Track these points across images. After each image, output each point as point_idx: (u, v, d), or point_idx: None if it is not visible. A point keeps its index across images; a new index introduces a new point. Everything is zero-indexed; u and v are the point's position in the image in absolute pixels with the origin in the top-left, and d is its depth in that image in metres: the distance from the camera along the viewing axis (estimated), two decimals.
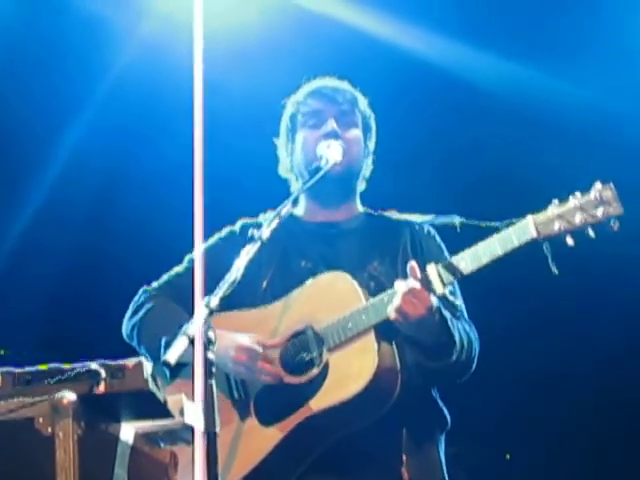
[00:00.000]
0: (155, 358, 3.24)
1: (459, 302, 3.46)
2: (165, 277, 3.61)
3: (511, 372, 5.74)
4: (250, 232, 3.08)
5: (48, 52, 5.61)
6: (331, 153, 3.42)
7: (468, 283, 3.25)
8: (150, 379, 2.42)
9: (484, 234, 3.16)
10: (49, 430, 2.34)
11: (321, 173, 3.36)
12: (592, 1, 5.38)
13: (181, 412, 2.55)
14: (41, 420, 2.35)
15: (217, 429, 2.54)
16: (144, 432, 2.60)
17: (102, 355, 2.49)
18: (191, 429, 2.56)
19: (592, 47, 5.35)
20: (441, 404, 3.45)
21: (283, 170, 3.71)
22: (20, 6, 5.49)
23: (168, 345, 2.65)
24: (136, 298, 3.59)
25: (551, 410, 5.89)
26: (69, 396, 2.36)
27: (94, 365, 2.42)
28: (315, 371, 3.25)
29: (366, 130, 3.63)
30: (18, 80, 5.67)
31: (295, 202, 3.30)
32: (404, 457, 3.29)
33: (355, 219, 3.62)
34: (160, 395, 2.47)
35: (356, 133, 3.58)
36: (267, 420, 3.28)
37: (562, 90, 5.48)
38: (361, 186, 3.66)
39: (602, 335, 5.70)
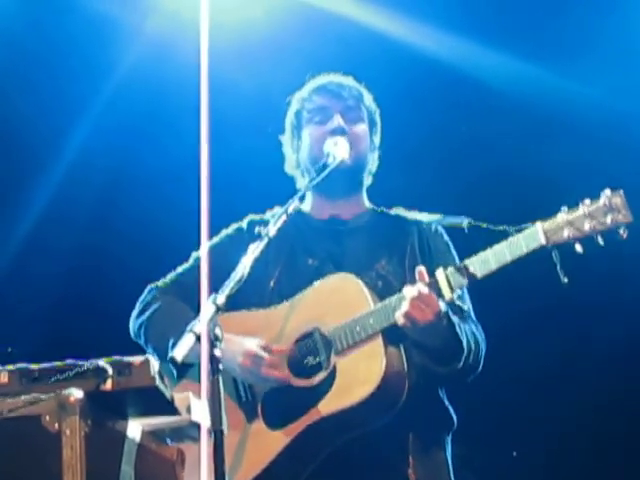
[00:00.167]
0: (162, 357, 3.23)
1: (467, 305, 3.45)
2: (172, 275, 3.61)
3: (517, 372, 5.72)
4: (257, 229, 3.08)
5: (53, 51, 5.60)
6: (338, 150, 3.42)
7: (470, 283, 3.23)
8: (157, 376, 2.41)
9: (492, 236, 3.15)
10: (56, 427, 2.33)
11: (328, 170, 3.36)
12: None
13: (188, 409, 2.54)
14: (48, 417, 2.34)
15: (224, 427, 2.53)
16: (151, 429, 2.59)
17: (108, 353, 2.48)
18: (198, 426, 2.55)
19: (600, 45, 5.34)
20: (447, 404, 3.44)
21: (289, 167, 3.70)
22: (25, 5, 5.49)
23: (176, 344, 2.64)
24: (143, 296, 3.59)
25: (558, 410, 5.88)
26: (76, 393, 2.35)
27: (101, 362, 2.41)
28: (323, 375, 3.25)
29: (372, 125, 3.63)
30: (23, 79, 5.67)
31: (302, 198, 3.29)
32: (411, 459, 3.29)
33: (362, 216, 3.61)
34: (167, 392, 2.46)
35: (362, 128, 3.57)
36: (274, 423, 3.28)
37: (570, 88, 5.47)
38: (367, 181, 3.65)
39: (605, 335, 5.68)
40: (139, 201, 5.82)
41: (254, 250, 2.93)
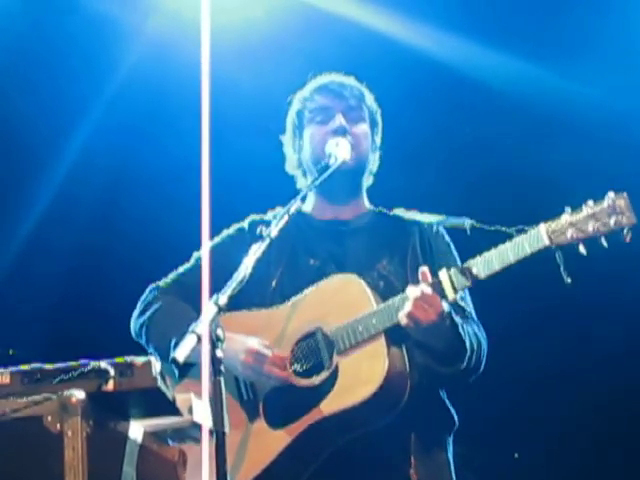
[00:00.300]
0: (164, 357, 3.23)
1: (469, 305, 3.45)
2: (173, 275, 3.60)
3: (518, 372, 5.72)
4: (259, 230, 3.07)
5: (54, 51, 5.60)
6: (340, 151, 3.41)
7: (473, 284, 3.23)
8: (159, 377, 2.41)
9: (494, 237, 3.15)
10: (58, 428, 2.33)
11: (329, 171, 3.36)
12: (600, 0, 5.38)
13: (190, 410, 2.54)
14: (50, 418, 2.34)
15: (226, 428, 2.53)
16: (153, 430, 2.59)
17: (110, 354, 2.48)
18: (200, 427, 2.55)
19: (600, 45, 5.34)
20: (449, 405, 3.44)
21: (290, 167, 3.70)
22: (26, 6, 5.49)
23: (177, 345, 2.64)
24: (144, 296, 3.58)
25: (558, 410, 5.88)
26: (78, 394, 2.35)
27: (103, 363, 2.41)
28: (325, 374, 3.24)
29: (373, 125, 3.62)
30: (25, 80, 5.67)
31: (303, 199, 3.29)
32: (412, 459, 3.29)
33: (364, 217, 3.61)
34: (169, 393, 2.46)
35: (364, 128, 3.57)
36: (276, 422, 3.28)
37: (571, 89, 5.47)
38: (368, 181, 3.65)
39: (606, 336, 5.68)
40: (140, 201, 5.83)
41: (256, 251, 2.93)
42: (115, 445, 2.47)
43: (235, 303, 2.82)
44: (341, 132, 3.49)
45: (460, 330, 3.23)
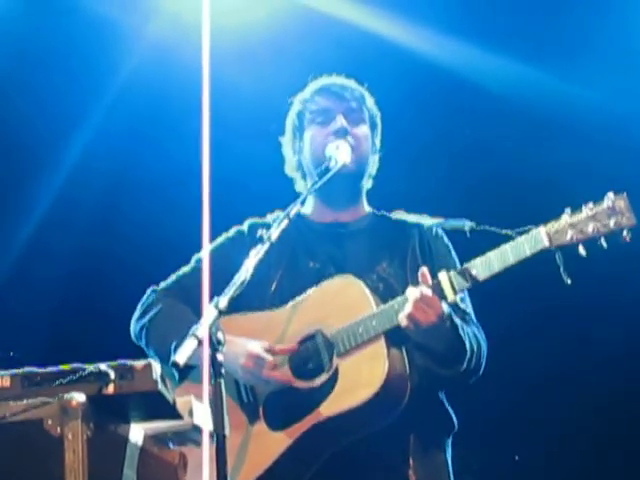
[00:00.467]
0: (164, 360, 3.23)
1: (468, 307, 3.45)
2: (173, 277, 3.60)
3: (518, 374, 5.72)
4: (259, 233, 3.07)
5: (55, 54, 5.61)
6: (340, 154, 3.42)
7: (473, 285, 3.23)
8: (159, 380, 2.41)
9: (494, 239, 3.15)
10: (58, 431, 2.33)
11: (330, 174, 3.36)
12: (600, 2, 5.37)
13: (190, 413, 2.54)
14: (50, 421, 2.34)
15: (226, 431, 2.53)
16: (153, 433, 2.59)
17: (110, 357, 2.48)
18: (200, 430, 2.55)
19: (600, 48, 5.34)
20: (448, 407, 3.45)
21: (289, 169, 3.70)
22: (27, 9, 5.49)
23: (178, 348, 2.64)
24: (144, 299, 3.59)
25: (558, 413, 5.88)
26: (78, 397, 2.35)
27: (103, 366, 2.41)
28: (325, 376, 3.25)
29: (373, 127, 3.63)
30: (25, 83, 5.68)
31: (303, 202, 3.29)
32: (411, 460, 3.30)
33: (363, 219, 3.61)
34: (169, 396, 2.46)
35: (364, 130, 3.58)
36: (276, 425, 3.28)
37: (570, 91, 5.47)
38: (368, 184, 3.65)
39: (607, 338, 5.68)
40: (141, 204, 5.82)
41: (256, 254, 2.93)
42: (115, 448, 2.47)
43: (235, 306, 2.82)
44: (342, 133, 3.50)
45: (460, 332, 3.23)
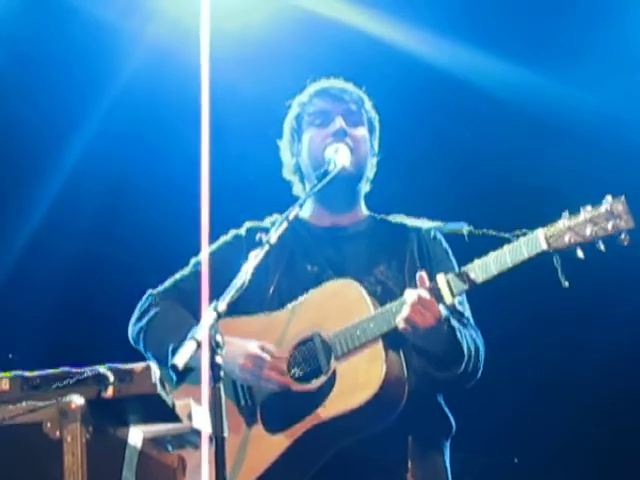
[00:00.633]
0: (162, 362, 3.24)
1: (466, 310, 3.46)
2: (171, 280, 3.61)
3: (516, 376, 5.73)
4: (258, 236, 3.08)
5: (54, 58, 5.61)
6: (339, 157, 3.42)
7: (471, 288, 3.24)
8: (158, 383, 2.41)
9: (492, 242, 3.16)
10: (57, 434, 2.33)
11: (329, 177, 3.36)
12: (600, 6, 5.38)
13: (189, 416, 2.54)
14: (49, 424, 2.34)
15: (225, 434, 2.54)
16: (152, 436, 2.59)
17: (109, 360, 2.49)
18: (199, 433, 2.55)
19: (600, 52, 5.35)
20: (446, 410, 3.45)
21: (287, 172, 3.71)
22: (26, 12, 5.49)
23: (175, 351, 2.64)
24: (142, 302, 3.59)
25: (557, 415, 5.88)
26: (77, 400, 2.35)
27: (102, 369, 2.41)
28: (322, 379, 3.25)
29: (371, 130, 3.64)
30: (24, 86, 5.67)
31: (302, 204, 3.29)
32: (410, 463, 3.30)
33: (361, 223, 3.62)
34: (168, 399, 2.46)
35: (363, 132, 3.59)
36: (274, 427, 3.28)
37: (571, 95, 5.47)
38: (366, 187, 3.66)
39: (605, 341, 5.69)
40: (139, 207, 5.83)
41: (255, 257, 2.93)
42: (115, 451, 2.47)
43: (233, 309, 2.82)
44: (341, 135, 3.50)
45: (458, 334, 3.24)
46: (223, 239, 3.64)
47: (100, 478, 2.37)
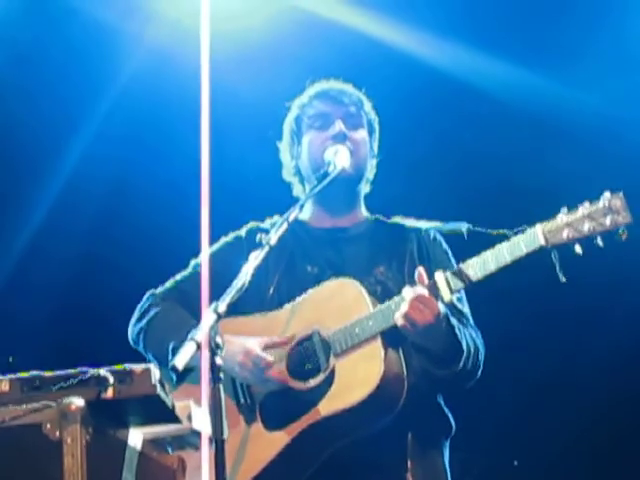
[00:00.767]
0: (162, 363, 3.24)
1: (466, 309, 3.46)
2: (171, 281, 3.61)
3: (516, 378, 5.73)
4: (258, 237, 3.08)
5: (54, 60, 5.61)
6: (339, 159, 3.42)
7: (472, 288, 3.24)
8: (158, 384, 2.41)
9: (491, 241, 3.16)
10: (57, 435, 2.33)
11: (329, 179, 3.36)
12: (600, 7, 5.38)
13: (189, 417, 2.54)
14: (49, 426, 2.34)
15: (225, 436, 2.54)
16: (152, 437, 2.59)
17: (109, 362, 2.49)
18: (199, 434, 2.55)
19: (601, 53, 5.35)
20: (446, 410, 3.45)
21: (287, 174, 3.71)
22: (26, 14, 5.50)
23: (175, 351, 2.64)
24: (142, 303, 3.59)
25: (557, 416, 5.88)
26: (77, 402, 2.35)
27: (102, 371, 2.41)
28: (321, 377, 3.25)
29: (371, 132, 3.64)
30: (24, 88, 5.68)
31: (302, 206, 3.30)
32: (409, 463, 3.29)
33: (361, 224, 3.62)
34: (168, 400, 2.46)
35: (363, 134, 3.59)
36: (273, 425, 3.28)
37: (571, 96, 5.48)
38: (365, 189, 3.66)
39: (605, 339, 5.69)
40: (139, 209, 5.83)
41: (255, 258, 2.93)
42: (114, 452, 2.47)
43: (233, 310, 2.81)
44: (341, 138, 3.50)
45: (457, 332, 3.24)
46: (223, 240, 3.65)
47: (100, 479, 2.37)
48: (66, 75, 5.64)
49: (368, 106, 3.66)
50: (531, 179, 5.49)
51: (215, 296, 2.76)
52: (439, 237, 3.57)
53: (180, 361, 2.56)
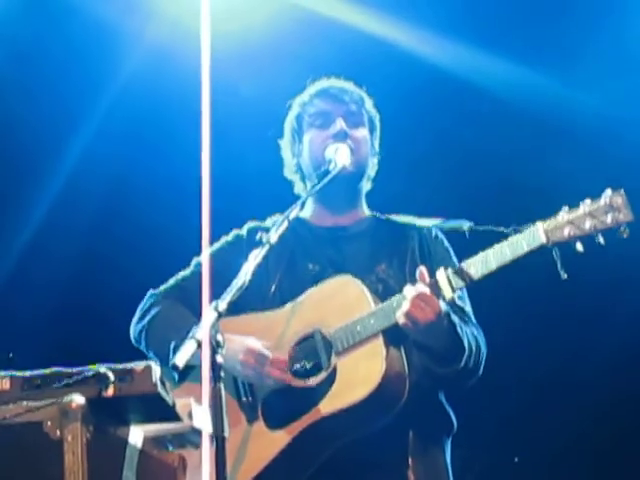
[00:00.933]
0: (163, 361, 3.24)
1: (467, 307, 3.46)
2: (172, 280, 3.61)
3: (518, 376, 5.73)
4: (258, 236, 3.08)
5: (54, 58, 5.60)
6: (340, 157, 3.43)
7: (474, 286, 3.24)
8: (159, 382, 2.41)
9: (492, 239, 3.16)
10: (57, 434, 2.33)
11: (330, 177, 3.37)
12: (600, 7, 5.38)
13: (190, 415, 2.54)
14: (50, 424, 2.34)
15: (226, 434, 2.53)
16: (153, 435, 2.59)
17: (110, 360, 2.49)
18: (200, 432, 2.55)
19: (602, 53, 5.35)
20: (448, 408, 3.45)
21: (288, 172, 3.71)
22: (26, 12, 5.49)
23: (177, 349, 2.64)
24: (143, 302, 3.60)
25: (559, 414, 5.88)
26: (78, 400, 2.35)
27: (103, 368, 2.41)
28: (323, 375, 3.25)
29: (372, 130, 3.64)
30: (24, 86, 5.67)
31: (302, 204, 3.30)
32: (410, 460, 3.30)
33: (363, 222, 3.62)
34: (169, 398, 2.46)
35: (364, 133, 3.59)
36: (275, 424, 3.28)
37: (572, 96, 5.47)
38: (367, 187, 3.66)
39: (607, 338, 5.69)
40: (140, 208, 5.82)
41: (256, 257, 2.94)
42: (115, 450, 2.47)
43: (234, 308, 2.82)
44: (342, 137, 3.50)
45: (458, 330, 3.24)
46: (224, 239, 3.65)
47: (101, 477, 2.37)
48: (66, 73, 5.63)
49: (369, 104, 3.66)
50: (532, 177, 5.48)
51: (216, 295, 2.76)
52: (440, 235, 3.57)
53: (181, 359, 2.57)
